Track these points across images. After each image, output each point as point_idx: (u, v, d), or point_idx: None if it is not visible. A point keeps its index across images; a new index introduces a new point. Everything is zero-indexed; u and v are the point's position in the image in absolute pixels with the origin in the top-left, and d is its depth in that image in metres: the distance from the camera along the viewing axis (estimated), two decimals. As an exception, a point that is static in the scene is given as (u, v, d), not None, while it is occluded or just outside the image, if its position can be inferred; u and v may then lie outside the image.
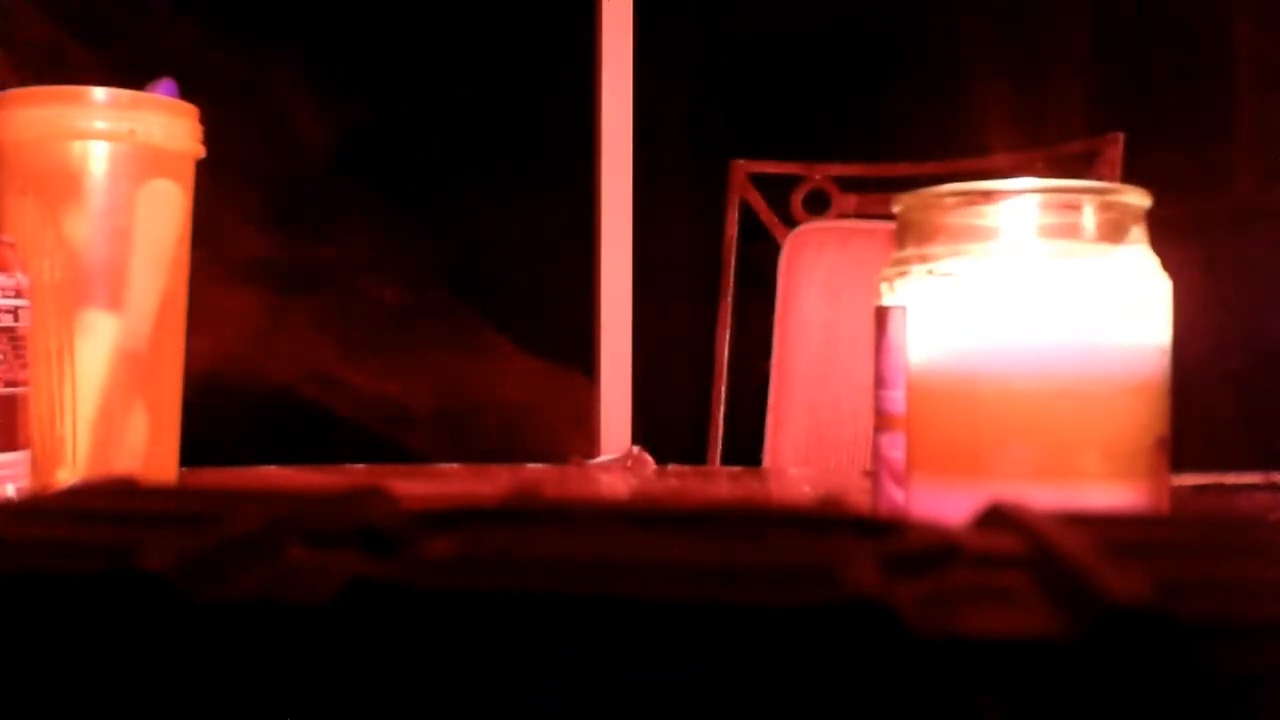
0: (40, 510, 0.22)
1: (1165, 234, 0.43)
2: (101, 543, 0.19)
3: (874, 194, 1.30)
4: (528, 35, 1.59)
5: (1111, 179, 1.16)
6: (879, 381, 0.43)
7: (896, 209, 0.43)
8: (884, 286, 0.43)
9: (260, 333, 1.54)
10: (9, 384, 0.50)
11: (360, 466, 0.87)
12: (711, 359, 1.33)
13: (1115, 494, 0.39)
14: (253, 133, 1.43)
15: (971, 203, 0.41)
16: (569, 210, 1.60)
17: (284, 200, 1.55)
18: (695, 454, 1.31)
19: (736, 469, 1.11)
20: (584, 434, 1.57)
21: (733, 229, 1.33)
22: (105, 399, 0.59)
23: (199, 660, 0.17)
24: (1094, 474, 0.39)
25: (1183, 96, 1.58)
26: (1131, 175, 1.15)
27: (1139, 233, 0.41)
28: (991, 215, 0.41)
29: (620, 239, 1.57)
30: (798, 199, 1.31)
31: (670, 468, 0.88)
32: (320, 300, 1.55)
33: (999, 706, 0.16)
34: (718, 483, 0.88)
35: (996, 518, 0.21)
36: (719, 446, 1.30)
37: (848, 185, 1.32)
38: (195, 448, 0.66)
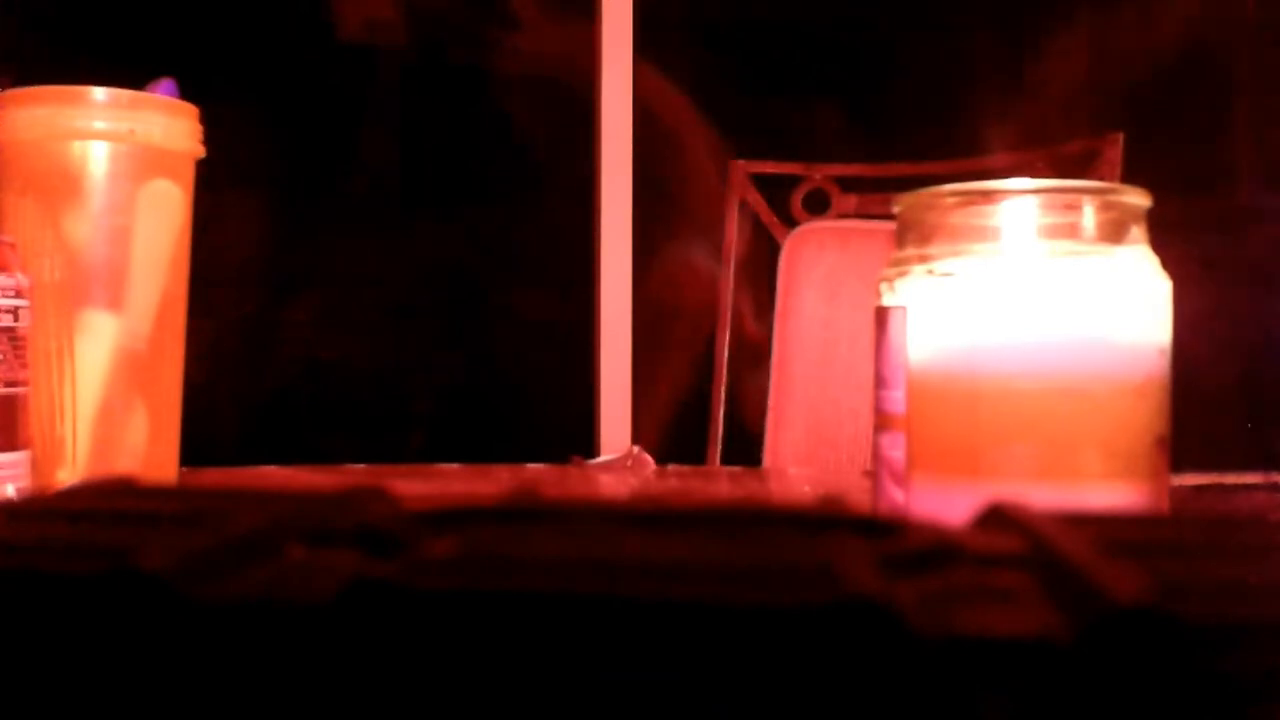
0: (40, 510, 0.22)
1: (1165, 234, 0.43)
2: (101, 543, 0.19)
3: (874, 194, 1.30)
4: (527, 34, 1.59)
5: (1111, 179, 1.16)
6: (879, 381, 0.43)
7: (896, 209, 0.43)
8: (884, 286, 0.43)
9: (260, 333, 1.54)
10: (9, 384, 0.50)
11: (360, 466, 0.87)
12: (711, 359, 1.32)
13: (1115, 494, 0.39)
14: (254, 133, 1.43)
15: (971, 203, 0.41)
16: (569, 211, 1.60)
17: (285, 200, 1.55)
18: (695, 454, 1.31)
19: (736, 469, 1.11)
20: (584, 434, 1.57)
21: (733, 229, 1.32)
22: (105, 399, 0.59)
23: (199, 660, 0.17)
24: (1094, 474, 0.39)
25: (1183, 96, 1.58)
26: (1131, 175, 1.15)
27: (1139, 233, 0.41)
28: (991, 215, 0.41)
29: (620, 239, 1.57)
30: (798, 199, 1.31)
31: (670, 468, 0.88)
32: (321, 300, 1.55)
33: (1000, 706, 0.16)
34: (718, 483, 0.88)
35: (996, 518, 0.21)
36: (719, 446, 1.29)
37: (848, 185, 1.32)
38: (195, 448, 0.66)
